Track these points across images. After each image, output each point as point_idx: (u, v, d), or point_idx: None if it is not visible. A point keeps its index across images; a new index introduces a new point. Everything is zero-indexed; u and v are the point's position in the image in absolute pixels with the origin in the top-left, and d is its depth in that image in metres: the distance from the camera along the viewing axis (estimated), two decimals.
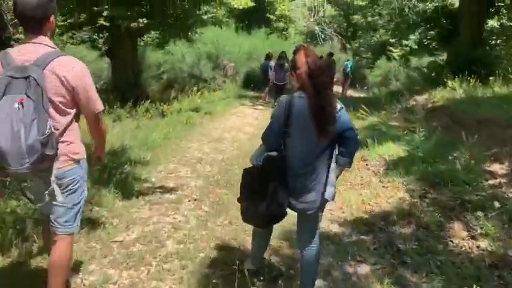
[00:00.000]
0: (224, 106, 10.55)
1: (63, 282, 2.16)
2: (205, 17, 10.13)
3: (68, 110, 2.00)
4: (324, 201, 2.33)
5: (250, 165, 2.43)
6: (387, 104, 10.10)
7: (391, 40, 23.12)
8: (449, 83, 9.89)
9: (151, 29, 11.26)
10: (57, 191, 1.96)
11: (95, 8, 8.95)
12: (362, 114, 8.44)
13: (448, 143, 5.72)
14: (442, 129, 6.56)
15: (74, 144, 2.06)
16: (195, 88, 11.64)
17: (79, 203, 2.16)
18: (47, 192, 1.95)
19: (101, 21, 8.79)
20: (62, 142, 1.98)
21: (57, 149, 1.90)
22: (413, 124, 7.68)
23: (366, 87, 19.75)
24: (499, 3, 11.48)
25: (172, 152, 6.07)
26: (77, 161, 2.09)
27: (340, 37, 27.00)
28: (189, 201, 4.19)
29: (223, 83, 15.15)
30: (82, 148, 2.14)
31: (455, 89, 9.64)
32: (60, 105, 1.95)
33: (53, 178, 1.93)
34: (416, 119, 7.85)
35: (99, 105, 2.08)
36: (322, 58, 13.16)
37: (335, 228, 3.67)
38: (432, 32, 14.24)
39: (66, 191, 2.05)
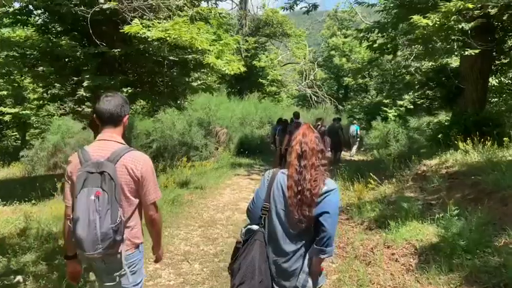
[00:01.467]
0: (217, 178, 9.60)
1: None
2: (195, 84, 9.52)
3: (134, 199, 2.24)
4: None
5: None
6: (395, 169, 9.24)
7: (384, 101, 23.00)
8: (461, 145, 9.12)
9: (139, 98, 10.62)
10: (128, 272, 2.19)
11: (75, 78, 8.30)
12: (371, 184, 7.51)
13: (486, 223, 4.73)
14: (467, 203, 5.64)
15: (135, 229, 2.28)
16: (184, 158, 10.73)
17: (139, 283, 2.35)
18: (117, 273, 2.16)
19: (81, 92, 8.07)
20: (127, 227, 2.19)
21: (123, 234, 2.10)
22: (432, 196, 6.77)
23: (362, 149, 19.15)
24: (501, 61, 11.11)
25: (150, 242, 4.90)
26: (137, 246, 2.30)
27: (332, 99, 26.97)
28: None
29: (216, 150, 14.36)
30: (141, 233, 2.35)
31: (467, 152, 8.84)
32: (129, 194, 2.19)
33: (124, 262, 2.14)
34: (433, 190, 6.94)
35: (155, 196, 2.27)
36: (321, 120, 12.57)
37: None
38: (430, 92, 13.85)
39: (131, 272, 2.24)
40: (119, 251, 2.12)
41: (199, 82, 9.56)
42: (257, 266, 2.12)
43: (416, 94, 21.38)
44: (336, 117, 15.65)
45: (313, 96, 25.14)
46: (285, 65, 26.21)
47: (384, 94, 23.59)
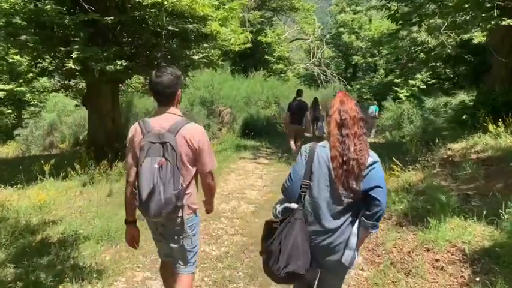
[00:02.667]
0: (221, 162, 8.75)
1: None
2: (196, 57, 8.57)
3: (192, 168, 2.37)
4: (342, 266, 2.13)
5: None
6: (418, 153, 8.39)
7: (396, 80, 21.97)
8: (491, 127, 8.22)
9: (135, 73, 9.71)
10: (191, 234, 2.40)
11: (62, 49, 7.40)
12: (396, 170, 6.67)
13: None
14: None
15: (193, 195, 2.43)
16: None
17: (196, 245, 2.52)
18: (181, 237, 2.36)
19: (69, 64, 7.18)
20: (186, 194, 2.33)
21: (184, 200, 2.27)
22: (467, 185, 5.94)
23: (374, 131, 18.24)
24: None
25: (143, 248, 3.80)
26: (195, 211, 2.45)
27: (341, 78, 25.87)
28: None
29: (219, 131, 13.50)
30: (196, 199, 2.49)
31: (499, 135, 7.96)
32: (187, 163, 2.33)
33: (186, 225, 2.34)
34: (467, 178, 6.10)
35: (211, 165, 2.41)
36: (359, 103, 11.77)
37: None
38: (448, 70, 12.84)
39: (191, 234, 2.43)
40: (180, 215, 2.28)
41: (201, 55, 8.61)
42: (301, 246, 2.04)
43: (429, 73, 20.42)
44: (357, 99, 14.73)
45: (321, 75, 24.05)
46: (292, 41, 25.02)
47: (396, 73, 22.53)
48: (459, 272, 3.40)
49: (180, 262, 2.45)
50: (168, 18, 8.02)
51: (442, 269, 3.51)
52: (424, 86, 20.11)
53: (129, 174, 2.36)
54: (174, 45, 8.87)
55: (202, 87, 13.97)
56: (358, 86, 27.85)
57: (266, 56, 19.15)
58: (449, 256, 3.68)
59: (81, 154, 8.88)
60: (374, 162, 2.06)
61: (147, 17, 7.82)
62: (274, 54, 19.38)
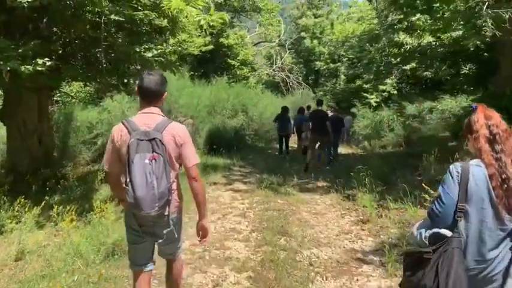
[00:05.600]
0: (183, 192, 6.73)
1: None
2: (149, 54, 6.54)
3: (177, 164, 2.47)
4: None
5: None
6: (425, 171, 6.86)
7: (364, 86, 20.89)
8: None
9: (69, 77, 7.52)
10: (174, 230, 2.45)
11: None
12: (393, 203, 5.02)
13: None
14: None
15: (177, 192, 2.51)
16: None
17: (180, 234, 2.65)
18: (166, 231, 2.40)
19: None
20: (172, 190, 2.39)
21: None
22: None
23: (344, 140, 16.86)
24: None
25: None
26: (179, 206, 2.56)
27: (305, 85, 24.52)
28: None
29: None
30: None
31: None
32: (174, 159, 2.42)
33: (172, 220, 2.44)
34: None
35: (195, 159, 2.50)
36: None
37: None
38: (449, 69, 11.59)
39: (176, 229, 2.52)
40: (167, 210, 2.34)
41: (155, 52, 6.60)
42: (463, 279, 1.77)
43: (398, 78, 19.53)
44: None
45: (287, 81, 22.53)
46: (256, 44, 23.33)
47: (363, 78, 21.45)
48: None
49: (170, 253, 2.66)
50: (109, 4, 5.99)
51: None
52: (395, 91, 19.20)
53: (109, 165, 2.47)
54: (120, 40, 6.80)
55: None
56: (321, 93, 26.74)
57: (229, 60, 17.27)
58: None
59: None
60: None
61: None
62: (237, 58, 17.55)
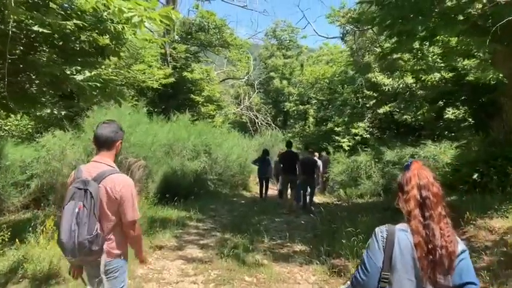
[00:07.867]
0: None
1: None
2: (79, 77, 4.94)
3: (112, 216, 2.41)
4: None
5: None
6: None
7: (336, 129, 19.99)
8: None
9: None
10: (104, 279, 2.39)
11: None
12: None
13: None
14: None
15: (114, 242, 2.44)
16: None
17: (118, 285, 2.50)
18: (96, 280, 2.40)
19: None
20: (107, 240, 2.39)
21: (103, 246, 2.34)
22: None
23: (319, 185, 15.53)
24: None
25: None
26: (118, 255, 2.46)
27: (274, 126, 23.42)
28: None
29: None
30: (124, 247, 2.51)
31: None
32: (108, 211, 2.38)
33: (102, 269, 2.37)
34: None
35: (132, 215, 2.42)
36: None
37: None
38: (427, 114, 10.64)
39: (110, 278, 2.42)
40: (98, 259, 2.34)
41: (87, 74, 5.03)
42: None
43: (371, 122, 18.80)
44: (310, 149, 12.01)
45: (256, 122, 21.29)
46: (223, 80, 22.14)
47: (334, 121, 20.62)
48: None
49: None
50: (22, 8, 4.44)
51: None
52: (368, 135, 18.38)
53: None
54: (43, 59, 5.20)
55: None
56: (290, 135, 25.79)
57: (193, 96, 15.81)
58: None
59: None
60: (463, 251, 1.72)
61: None
62: (202, 94, 16.16)
